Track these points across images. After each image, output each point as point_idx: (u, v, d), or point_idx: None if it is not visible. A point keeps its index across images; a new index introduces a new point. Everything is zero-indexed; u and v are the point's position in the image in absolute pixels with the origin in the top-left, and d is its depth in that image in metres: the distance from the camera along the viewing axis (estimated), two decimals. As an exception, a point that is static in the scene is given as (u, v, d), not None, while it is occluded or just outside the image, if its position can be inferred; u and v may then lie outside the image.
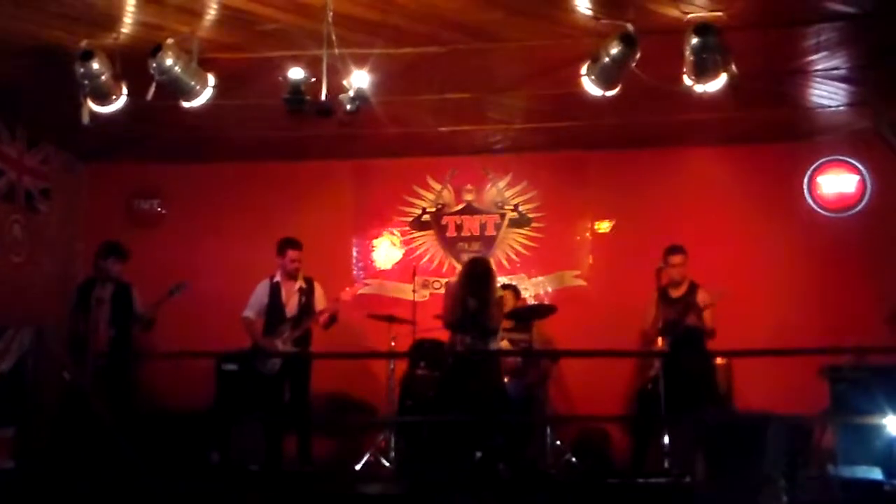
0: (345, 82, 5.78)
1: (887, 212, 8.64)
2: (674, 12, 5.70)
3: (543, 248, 9.33)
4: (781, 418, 6.17)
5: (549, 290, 9.27)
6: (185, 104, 6.17)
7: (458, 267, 8.52)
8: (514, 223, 9.41)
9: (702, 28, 5.51)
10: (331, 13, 5.50)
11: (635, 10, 5.68)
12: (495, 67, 6.95)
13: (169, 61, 5.83)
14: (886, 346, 7.32)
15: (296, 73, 5.73)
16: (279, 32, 6.05)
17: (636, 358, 8.45)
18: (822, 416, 6.82)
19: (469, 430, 6.71)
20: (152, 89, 5.99)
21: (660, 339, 7.50)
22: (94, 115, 6.30)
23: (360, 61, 5.96)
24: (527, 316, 8.01)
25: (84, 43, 5.97)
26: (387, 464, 7.60)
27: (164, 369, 8.48)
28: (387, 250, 9.53)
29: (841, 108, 7.86)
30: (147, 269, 8.20)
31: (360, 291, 8.87)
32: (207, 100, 6.20)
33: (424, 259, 9.44)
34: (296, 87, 5.75)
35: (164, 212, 9.67)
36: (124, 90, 6.23)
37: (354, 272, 9.47)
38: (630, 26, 5.61)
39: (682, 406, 7.04)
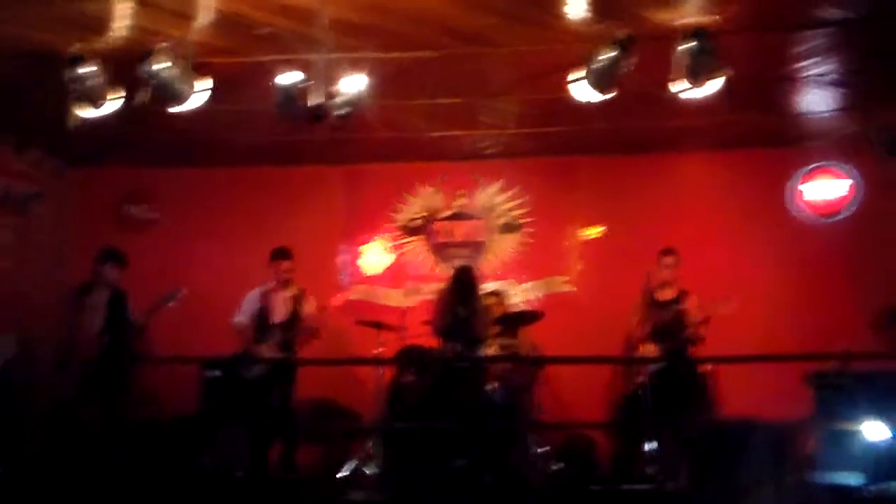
0: (337, 86, 5.78)
1: (876, 217, 8.67)
2: (667, 17, 5.73)
3: (533, 254, 9.34)
4: (766, 425, 6.19)
5: (539, 295, 9.26)
6: (178, 108, 6.14)
7: (448, 272, 8.52)
8: (505, 229, 9.42)
9: (695, 33, 5.54)
10: (325, 17, 5.51)
11: (629, 15, 5.70)
12: (487, 72, 6.96)
13: (161, 65, 5.80)
14: (871, 353, 7.36)
15: (287, 78, 5.72)
16: (273, 37, 6.04)
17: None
18: (806, 423, 6.84)
19: (455, 438, 6.70)
20: (145, 93, 5.97)
21: (649, 345, 7.53)
22: (81, 119, 6.26)
23: (353, 65, 5.96)
24: (513, 322, 8.00)
25: (75, 47, 5.94)
26: (372, 471, 7.57)
27: (155, 374, 8.42)
28: (377, 255, 9.53)
29: (831, 113, 7.91)
30: (137, 274, 8.14)
31: (349, 297, 8.85)
32: (200, 104, 6.17)
33: (414, 264, 9.45)
34: (287, 93, 5.75)
35: (154, 216, 9.63)
36: (116, 94, 6.19)
37: (344, 277, 9.45)
38: (623, 32, 5.63)
39: (670, 413, 7.06)
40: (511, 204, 9.42)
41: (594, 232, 9.27)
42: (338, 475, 7.33)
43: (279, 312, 7.85)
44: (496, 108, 7.85)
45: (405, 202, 9.53)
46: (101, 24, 5.90)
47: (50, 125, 7.54)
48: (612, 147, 8.88)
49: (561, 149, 8.98)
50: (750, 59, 6.42)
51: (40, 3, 5.67)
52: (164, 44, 5.84)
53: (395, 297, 9.06)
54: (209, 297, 8.48)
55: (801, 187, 8.96)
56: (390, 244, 9.51)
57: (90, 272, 7.90)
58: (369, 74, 6.04)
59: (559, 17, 5.84)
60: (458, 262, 8.65)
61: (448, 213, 9.51)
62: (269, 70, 6.08)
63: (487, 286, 8.49)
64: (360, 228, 9.56)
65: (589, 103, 6.12)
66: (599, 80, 5.92)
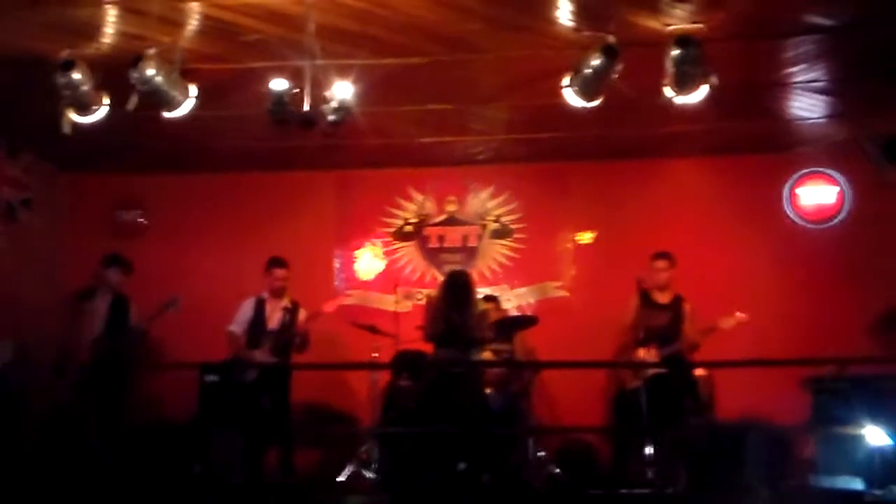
0: (327, 93, 5.79)
1: (866, 223, 8.70)
2: (654, 24, 5.75)
3: (525, 260, 9.35)
4: (763, 429, 6.20)
5: (532, 301, 9.27)
6: (168, 115, 6.14)
7: (440, 278, 8.51)
8: (496, 234, 9.43)
9: (683, 40, 5.55)
10: (313, 24, 5.52)
11: (616, 22, 5.70)
12: (477, 78, 6.97)
13: (150, 71, 5.78)
14: (867, 357, 7.37)
15: (279, 83, 5.73)
16: (262, 43, 6.05)
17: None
18: (803, 427, 6.85)
19: (452, 442, 6.70)
20: (134, 100, 5.97)
21: (644, 349, 7.55)
22: (74, 125, 6.27)
23: (343, 72, 5.97)
24: (508, 327, 8.01)
25: (65, 53, 5.94)
26: (369, 475, 7.58)
27: (153, 380, 8.46)
28: (369, 261, 9.53)
29: (820, 119, 7.94)
30: (130, 280, 8.15)
31: (343, 303, 8.84)
32: (190, 110, 6.18)
33: (407, 270, 9.45)
34: (279, 98, 5.75)
35: (146, 222, 9.62)
36: (106, 100, 6.21)
37: (337, 283, 9.46)
38: (611, 38, 5.63)
39: (665, 417, 7.06)
40: (503, 209, 9.44)
41: (586, 237, 9.29)
42: (335, 480, 7.35)
43: (273, 322, 7.88)
44: (486, 115, 7.88)
45: (397, 207, 9.54)
46: (91, 30, 5.91)
47: (42, 130, 7.57)
48: (604, 153, 8.89)
49: (552, 155, 8.99)
50: (738, 66, 6.45)
51: (31, 9, 5.67)
52: (153, 50, 5.83)
53: (388, 303, 9.06)
54: (201, 302, 8.45)
55: (793, 192, 8.99)
56: (382, 250, 9.52)
57: (89, 276, 7.94)
58: (359, 81, 6.04)
59: (546, 23, 5.87)
60: (449, 268, 8.65)
61: (440, 218, 9.53)
62: (259, 76, 6.11)
63: (482, 291, 8.49)
64: (352, 234, 9.56)
65: (579, 109, 6.12)
66: (586, 88, 5.93)
